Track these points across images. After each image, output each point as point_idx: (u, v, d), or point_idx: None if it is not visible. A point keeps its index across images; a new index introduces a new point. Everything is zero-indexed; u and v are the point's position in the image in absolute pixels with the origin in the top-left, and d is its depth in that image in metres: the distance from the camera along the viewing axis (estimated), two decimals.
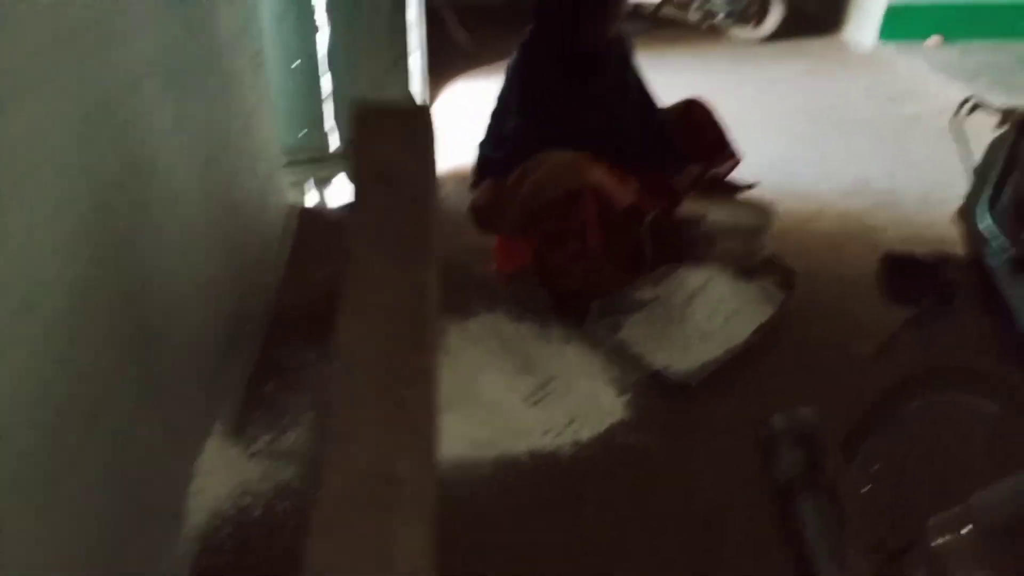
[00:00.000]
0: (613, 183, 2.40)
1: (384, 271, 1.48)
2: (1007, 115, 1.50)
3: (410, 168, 1.53)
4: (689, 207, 2.48)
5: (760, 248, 2.33)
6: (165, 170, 1.76)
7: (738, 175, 2.77)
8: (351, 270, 1.48)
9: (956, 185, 1.68)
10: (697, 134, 2.72)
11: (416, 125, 1.60)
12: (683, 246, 2.29)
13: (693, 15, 5.30)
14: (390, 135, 1.57)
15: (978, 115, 1.58)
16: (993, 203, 1.35)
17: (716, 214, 2.43)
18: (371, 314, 1.44)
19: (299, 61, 2.95)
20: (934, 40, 5.12)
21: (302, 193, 3.20)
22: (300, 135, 3.08)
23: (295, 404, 2.12)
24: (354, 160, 1.55)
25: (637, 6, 5.25)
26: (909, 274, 1.52)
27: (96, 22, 1.42)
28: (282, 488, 1.89)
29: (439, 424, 1.40)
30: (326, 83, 3.03)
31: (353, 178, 1.56)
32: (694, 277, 2.50)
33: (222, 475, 1.90)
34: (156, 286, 1.68)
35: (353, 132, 1.60)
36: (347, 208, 1.56)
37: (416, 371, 1.36)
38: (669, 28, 5.47)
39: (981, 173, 1.51)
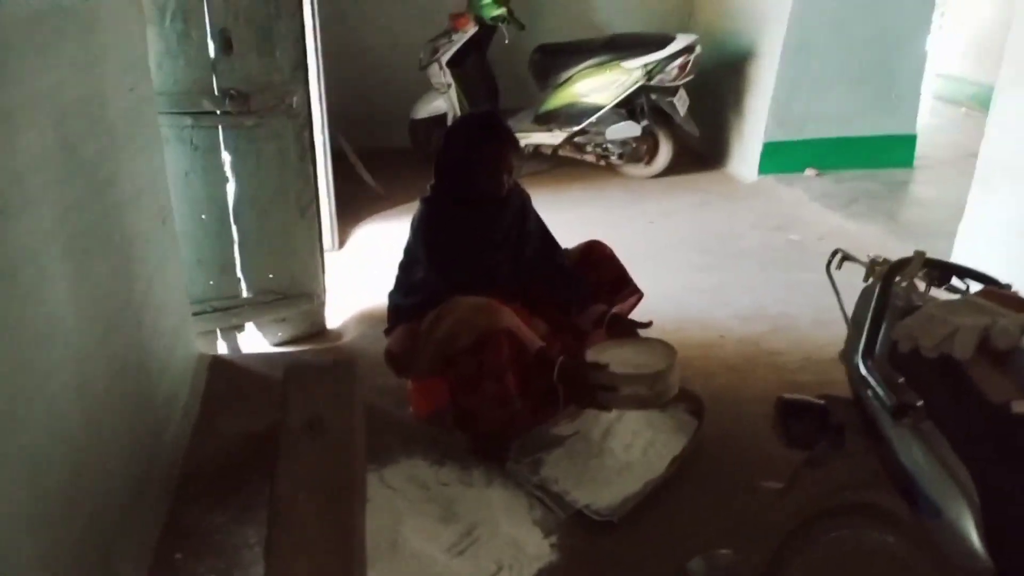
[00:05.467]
0: (522, 327, 2.46)
1: (310, 510, 1.45)
2: (872, 267, 1.61)
3: (336, 418, 1.54)
4: (594, 347, 2.55)
5: (666, 391, 2.39)
6: (64, 336, 1.71)
7: (640, 309, 2.88)
8: (279, 509, 1.44)
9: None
10: (599, 273, 2.84)
11: (341, 379, 1.62)
12: (591, 391, 2.35)
13: (589, 155, 5.60)
14: (318, 388, 1.59)
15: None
16: (868, 351, 1.42)
17: (620, 357, 2.49)
18: (298, 552, 1.40)
19: (205, 215, 2.96)
20: (811, 171, 5.54)
21: (213, 341, 3.15)
22: (209, 284, 3.05)
23: (204, 573, 2.01)
24: (284, 411, 1.55)
25: (537, 147, 5.52)
26: (802, 418, 1.59)
27: None
28: None
29: None
30: (235, 231, 3.04)
31: (282, 428, 1.56)
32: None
33: None
34: (53, 451, 1.60)
35: (283, 387, 1.61)
36: (275, 457, 1.53)
37: None
38: (568, 166, 5.75)
39: (855, 322, 1.58)
